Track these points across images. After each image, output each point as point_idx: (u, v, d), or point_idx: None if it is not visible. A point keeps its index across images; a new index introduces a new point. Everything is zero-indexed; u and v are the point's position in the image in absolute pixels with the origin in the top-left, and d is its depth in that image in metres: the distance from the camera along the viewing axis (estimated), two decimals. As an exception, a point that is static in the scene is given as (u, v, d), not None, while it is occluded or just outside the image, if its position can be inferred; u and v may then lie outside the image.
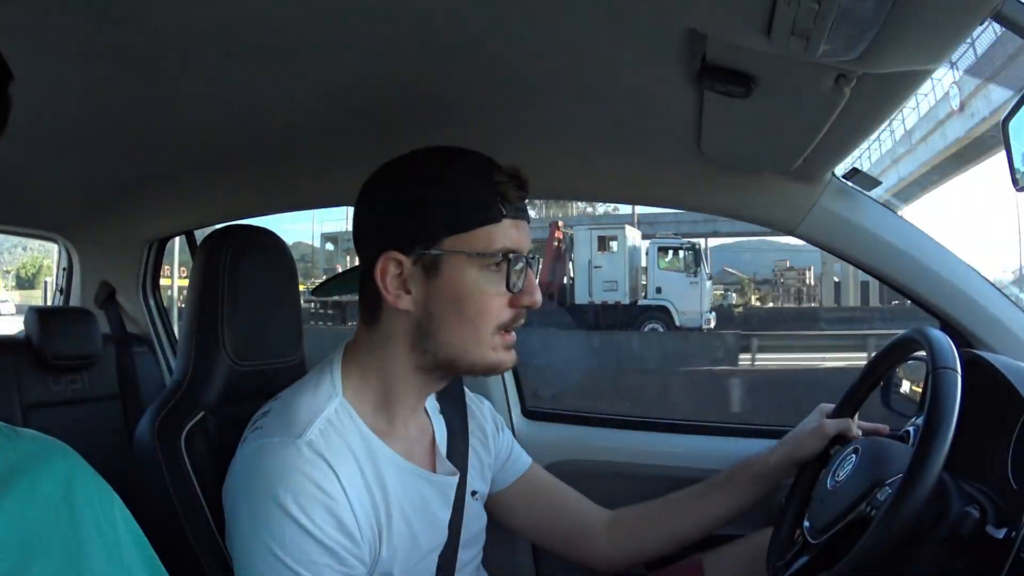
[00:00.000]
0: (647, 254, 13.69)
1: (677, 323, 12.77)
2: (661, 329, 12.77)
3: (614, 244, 13.65)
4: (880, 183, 1.08)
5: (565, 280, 13.76)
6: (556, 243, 14.04)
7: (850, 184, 1.09)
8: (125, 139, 1.19)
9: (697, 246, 13.55)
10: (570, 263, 13.76)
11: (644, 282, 13.62)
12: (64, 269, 1.82)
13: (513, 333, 0.86)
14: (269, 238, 1.03)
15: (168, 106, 1.03)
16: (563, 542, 1.11)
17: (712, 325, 12.95)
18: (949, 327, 1.10)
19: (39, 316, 1.50)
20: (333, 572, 0.77)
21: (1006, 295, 1.09)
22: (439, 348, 0.83)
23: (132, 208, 1.59)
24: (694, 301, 12.91)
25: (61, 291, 1.84)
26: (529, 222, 0.87)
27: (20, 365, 1.47)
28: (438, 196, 0.81)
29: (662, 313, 12.95)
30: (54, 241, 1.81)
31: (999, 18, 0.56)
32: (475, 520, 0.99)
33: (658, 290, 13.16)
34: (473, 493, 0.99)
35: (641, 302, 13.34)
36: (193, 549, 0.87)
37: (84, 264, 1.76)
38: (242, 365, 0.98)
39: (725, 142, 0.99)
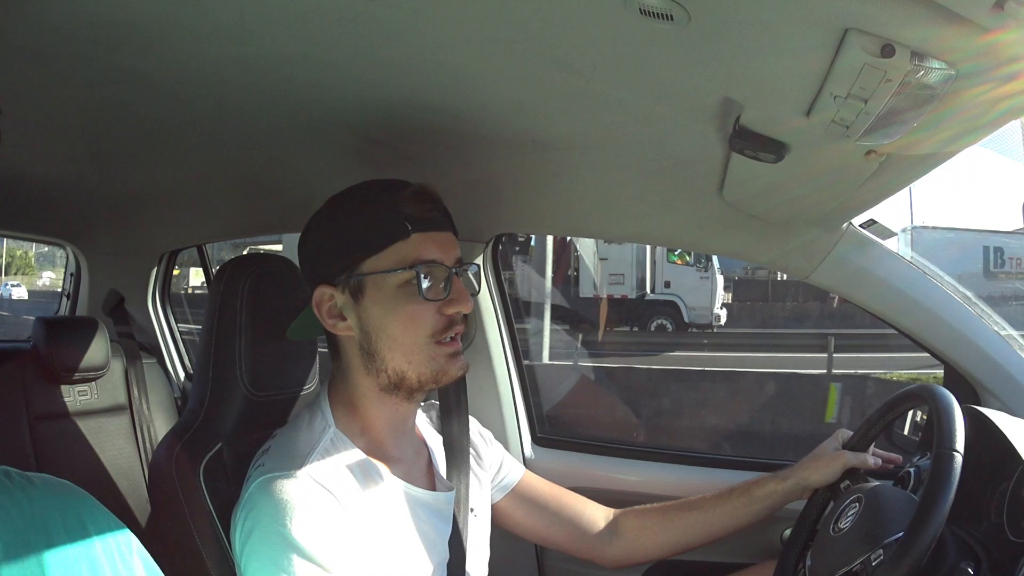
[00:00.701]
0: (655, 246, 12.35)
1: (686, 319, 12.01)
2: (669, 326, 11.96)
3: (621, 234, 13.12)
4: (896, 234, 1.09)
5: (570, 272, 12.67)
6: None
7: (866, 233, 1.11)
8: (140, 152, 1.19)
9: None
10: (575, 255, 12.60)
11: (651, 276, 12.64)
12: (72, 275, 1.82)
13: (457, 343, 0.89)
14: (286, 267, 1.03)
15: (183, 123, 1.03)
16: (565, 543, 1.13)
17: (723, 322, 12.20)
18: (956, 375, 1.13)
19: (46, 325, 1.50)
20: None
21: (1012, 345, 1.11)
22: (384, 365, 0.87)
23: (147, 219, 1.59)
24: (704, 297, 12.04)
25: (68, 296, 1.84)
26: (455, 232, 0.91)
27: (27, 376, 1.46)
28: (350, 226, 0.87)
29: (670, 308, 12.08)
30: (62, 247, 1.81)
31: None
32: (478, 536, 1.01)
33: (666, 284, 12.21)
34: (472, 510, 1.00)
35: (648, 296, 12.31)
36: None
37: (93, 272, 1.75)
38: (259, 395, 0.98)
39: (747, 194, 1.00)
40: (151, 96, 0.90)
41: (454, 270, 0.87)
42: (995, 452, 0.90)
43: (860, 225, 1.10)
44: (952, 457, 0.82)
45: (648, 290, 12.44)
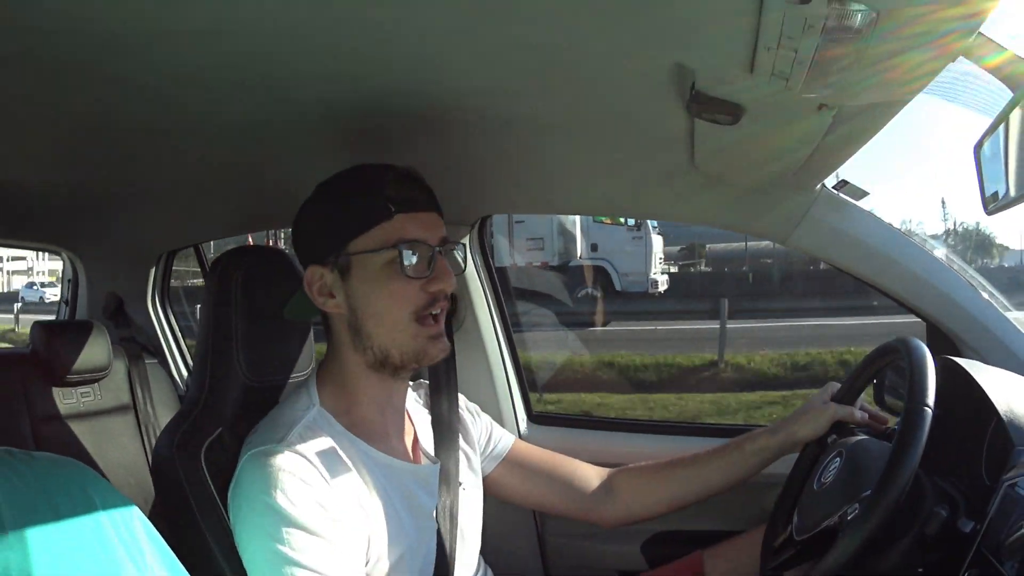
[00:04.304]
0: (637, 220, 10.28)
1: (618, 287, 10.82)
2: (597, 294, 10.60)
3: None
4: (868, 193, 1.11)
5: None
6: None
7: (839, 194, 1.12)
8: (130, 154, 1.20)
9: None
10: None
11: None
12: (69, 281, 1.84)
13: (438, 324, 0.92)
14: (278, 258, 1.06)
15: (170, 124, 1.04)
16: (562, 506, 1.16)
17: (662, 289, 10.93)
18: (936, 330, 1.14)
19: (45, 331, 1.52)
20: (331, 556, 0.82)
21: (989, 300, 1.12)
22: (371, 342, 0.91)
23: (141, 221, 1.61)
24: (638, 260, 10.82)
25: (67, 303, 1.86)
26: (439, 212, 0.94)
27: (28, 380, 1.49)
28: (338, 207, 0.91)
29: (599, 275, 10.77)
30: (58, 254, 1.83)
31: (969, 56, 0.59)
32: (468, 510, 1.03)
33: (593, 248, 10.95)
34: (460, 484, 1.02)
35: (573, 263, 10.94)
36: (219, 562, 0.90)
37: (91, 276, 1.78)
38: (256, 381, 1.01)
39: (716, 161, 1.01)
40: (136, 98, 0.92)
41: (438, 249, 0.90)
42: (972, 403, 0.91)
43: (833, 186, 1.11)
44: (921, 412, 0.84)
45: (576, 255, 11.02)
